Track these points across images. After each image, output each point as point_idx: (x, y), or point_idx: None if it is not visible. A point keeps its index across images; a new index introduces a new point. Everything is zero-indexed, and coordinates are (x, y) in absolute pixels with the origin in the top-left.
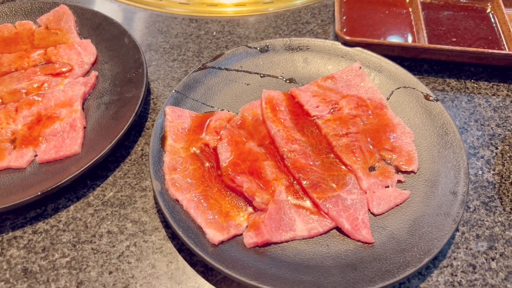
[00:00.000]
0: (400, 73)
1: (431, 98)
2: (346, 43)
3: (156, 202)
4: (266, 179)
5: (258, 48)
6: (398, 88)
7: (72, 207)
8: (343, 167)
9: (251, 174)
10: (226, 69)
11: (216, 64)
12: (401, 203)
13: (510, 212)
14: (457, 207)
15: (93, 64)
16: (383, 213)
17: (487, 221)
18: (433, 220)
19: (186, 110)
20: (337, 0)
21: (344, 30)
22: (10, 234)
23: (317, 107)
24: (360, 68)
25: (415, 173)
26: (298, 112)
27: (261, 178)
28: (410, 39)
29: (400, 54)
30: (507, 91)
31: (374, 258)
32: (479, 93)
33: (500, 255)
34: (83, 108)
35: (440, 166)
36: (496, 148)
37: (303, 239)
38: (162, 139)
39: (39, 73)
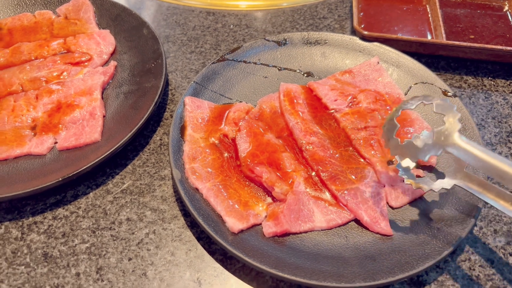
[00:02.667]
0: (419, 69)
1: (449, 94)
2: (364, 38)
3: (175, 191)
4: (284, 170)
5: (276, 42)
6: (416, 83)
7: (91, 194)
8: (362, 160)
9: (269, 165)
10: (244, 61)
11: (234, 56)
12: (419, 197)
13: None
14: (475, 201)
15: (112, 54)
16: (402, 206)
17: (505, 216)
18: (451, 214)
19: (205, 101)
20: None
21: (362, 26)
22: (31, 219)
23: (335, 100)
24: (378, 63)
25: (433, 167)
26: (316, 105)
27: (279, 170)
28: (427, 35)
29: (418, 50)
30: None
31: (393, 250)
32: (497, 91)
33: None
34: (102, 97)
35: None
36: None
37: (321, 230)
38: (182, 129)
39: (59, 61)
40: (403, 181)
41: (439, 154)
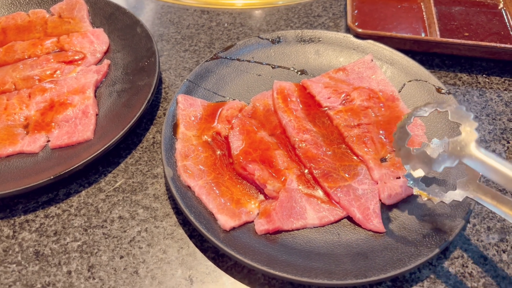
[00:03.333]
0: (412, 66)
1: (443, 91)
2: (358, 36)
3: (168, 189)
4: (277, 168)
5: (270, 40)
6: (410, 81)
7: (83, 193)
8: (355, 157)
9: (262, 163)
10: (238, 59)
11: (228, 54)
12: (412, 194)
13: None
14: (468, 199)
15: (106, 52)
16: (395, 204)
17: None
18: (444, 211)
19: (198, 99)
20: None
21: (356, 24)
22: (22, 217)
23: (329, 98)
24: (372, 60)
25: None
26: (310, 103)
27: (272, 167)
28: (422, 33)
29: (412, 48)
30: None
31: (385, 247)
32: (491, 88)
33: (511, 248)
34: (95, 96)
35: None
36: (508, 142)
37: (314, 227)
38: (174, 127)
39: (52, 60)
40: (398, 178)
41: (454, 165)
